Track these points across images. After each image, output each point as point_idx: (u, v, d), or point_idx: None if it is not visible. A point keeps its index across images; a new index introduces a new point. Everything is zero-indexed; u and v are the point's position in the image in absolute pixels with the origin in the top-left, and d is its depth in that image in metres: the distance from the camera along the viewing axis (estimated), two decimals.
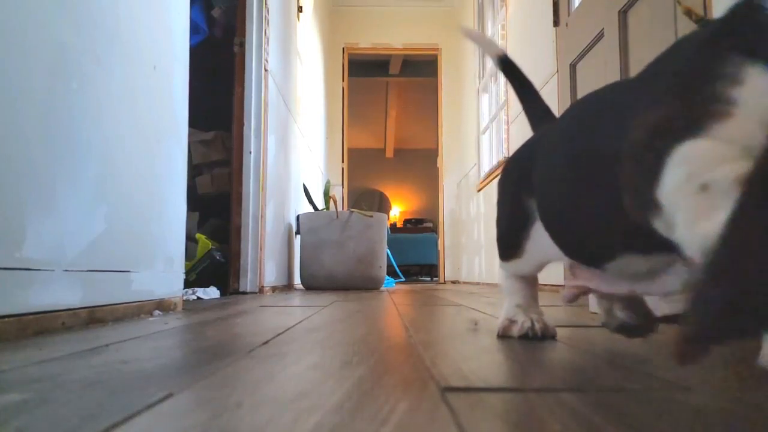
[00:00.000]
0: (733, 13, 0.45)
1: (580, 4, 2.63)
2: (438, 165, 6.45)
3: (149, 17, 1.40)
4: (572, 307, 1.61)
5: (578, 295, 0.75)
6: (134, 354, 0.69)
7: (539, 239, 0.75)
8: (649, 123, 0.45)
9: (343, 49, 6.26)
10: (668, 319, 0.71)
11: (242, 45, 2.70)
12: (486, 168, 4.98)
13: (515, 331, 0.84)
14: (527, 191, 0.76)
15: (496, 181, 4.34)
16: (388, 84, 9.13)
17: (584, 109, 0.64)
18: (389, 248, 4.02)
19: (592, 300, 1.45)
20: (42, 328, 0.92)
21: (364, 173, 10.62)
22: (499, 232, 0.86)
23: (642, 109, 0.47)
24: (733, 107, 0.40)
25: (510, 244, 0.82)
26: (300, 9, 3.96)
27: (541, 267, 0.82)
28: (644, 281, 0.61)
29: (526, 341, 0.81)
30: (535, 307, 0.87)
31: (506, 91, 4.04)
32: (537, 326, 0.83)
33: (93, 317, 1.09)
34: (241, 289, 2.58)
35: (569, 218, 0.64)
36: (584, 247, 0.64)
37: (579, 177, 0.60)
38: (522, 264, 0.82)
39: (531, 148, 0.79)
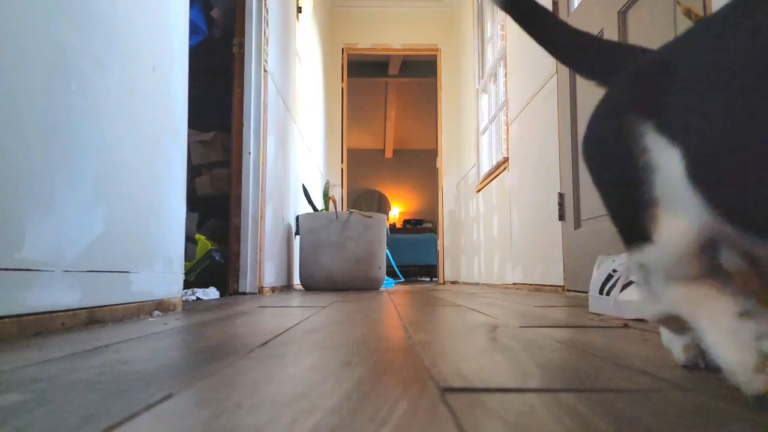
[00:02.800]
0: None
1: (579, 5, 2.63)
2: (437, 165, 6.46)
3: (148, 18, 1.40)
4: (572, 308, 1.61)
5: None
6: (134, 354, 0.69)
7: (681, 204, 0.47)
8: None
9: (343, 49, 6.27)
10: None
11: (241, 46, 2.70)
12: (485, 168, 4.98)
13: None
14: (659, 134, 0.49)
15: (495, 182, 4.36)
16: (387, 84, 9.14)
17: None
18: (388, 249, 4.03)
19: (592, 299, 1.43)
20: (41, 329, 0.92)
21: (364, 174, 10.63)
22: (614, 204, 0.56)
23: None
24: None
25: (633, 220, 0.52)
26: (299, 9, 3.96)
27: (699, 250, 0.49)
28: None
29: (525, 341, 0.81)
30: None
31: (505, 92, 4.04)
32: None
33: (92, 318, 1.09)
34: (240, 290, 2.58)
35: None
36: None
37: None
38: (656, 252, 0.51)
39: (662, 72, 0.50)
